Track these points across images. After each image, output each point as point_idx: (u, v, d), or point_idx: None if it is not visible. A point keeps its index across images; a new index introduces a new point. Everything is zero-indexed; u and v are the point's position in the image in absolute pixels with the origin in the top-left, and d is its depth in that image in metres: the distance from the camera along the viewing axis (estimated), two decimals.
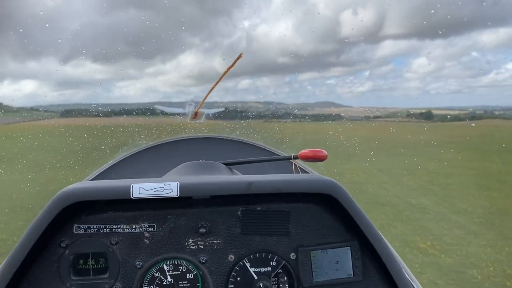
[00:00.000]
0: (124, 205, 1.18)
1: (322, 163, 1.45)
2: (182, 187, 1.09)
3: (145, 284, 1.18)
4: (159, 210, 1.18)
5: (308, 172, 1.73)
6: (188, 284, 1.20)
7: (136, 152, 1.91)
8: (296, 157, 1.46)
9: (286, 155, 1.53)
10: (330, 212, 1.22)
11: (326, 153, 1.41)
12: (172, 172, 1.44)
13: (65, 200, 1.06)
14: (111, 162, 1.89)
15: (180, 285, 1.19)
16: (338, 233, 1.22)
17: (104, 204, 1.17)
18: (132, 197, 1.07)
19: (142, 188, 1.08)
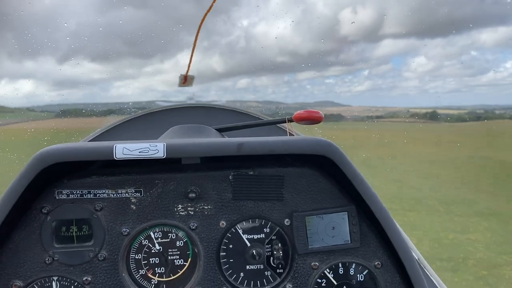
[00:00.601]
0: (109, 169, 1.12)
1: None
2: (169, 148, 1.02)
3: (132, 252, 1.13)
4: (146, 175, 1.12)
5: None
6: (178, 252, 1.14)
7: (128, 120, 1.85)
8: (290, 120, 1.40)
9: (281, 118, 1.48)
10: (326, 176, 1.17)
11: (322, 114, 1.36)
12: (162, 136, 1.38)
13: (43, 160, 0.99)
14: (100, 130, 1.83)
15: (169, 253, 1.14)
16: (335, 197, 1.16)
17: (88, 168, 1.11)
18: (115, 158, 1.00)
19: (126, 149, 1.01)
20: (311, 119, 1.36)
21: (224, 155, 1.05)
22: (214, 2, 1.42)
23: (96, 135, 1.80)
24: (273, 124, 1.52)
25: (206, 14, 1.47)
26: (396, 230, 1.12)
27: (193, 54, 1.55)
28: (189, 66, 1.59)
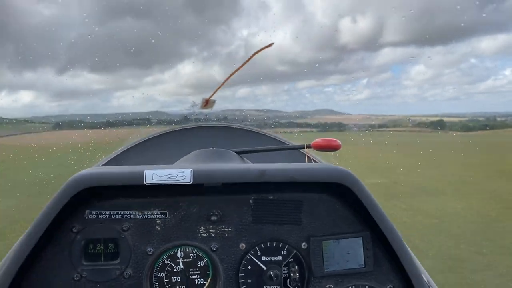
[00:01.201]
0: (136, 191, 1.17)
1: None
2: (195, 174, 1.08)
3: (155, 270, 1.18)
4: (171, 197, 1.18)
5: (314, 160, 1.72)
6: (199, 272, 1.19)
7: (146, 140, 1.90)
8: (309, 146, 1.45)
9: (299, 144, 1.53)
10: (343, 202, 1.22)
11: (340, 142, 1.40)
12: (183, 159, 1.44)
13: (78, 185, 1.05)
14: (120, 149, 1.88)
15: (190, 272, 1.19)
16: (350, 223, 1.21)
17: (116, 190, 1.17)
18: (145, 183, 1.06)
19: (155, 174, 1.07)
20: (329, 148, 1.41)
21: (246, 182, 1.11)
22: (267, 47, 1.47)
23: (118, 153, 1.85)
24: (292, 149, 1.57)
25: (254, 54, 1.53)
26: (408, 255, 1.16)
27: (224, 84, 1.60)
28: (214, 92, 1.65)
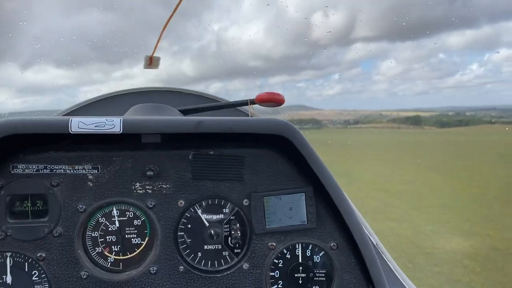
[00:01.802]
0: (66, 144, 1.11)
1: None
2: (125, 123, 1.02)
3: (89, 229, 1.12)
4: (104, 151, 1.12)
5: None
6: (136, 231, 1.14)
7: (96, 101, 1.83)
8: (253, 101, 1.42)
9: (243, 100, 1.49)
10: (285, 157, 1.19)
11: (283, 96, 1.38)
12: (125, 114, 1.37)
13: None
14: (70, 108, 1.81)
15: (127, 231, 1.14)
16: (293, 179, 1.18)
17: (45, 143, 1.10)
18: (70, 131, 1.00)
19: (81, 123, 1.00)
20: (273, 101, 1.38)
21: (184, 133, 1.06)
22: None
23: (61, 114, 1.77)
24: (236, 106, 1.53)
25: (174, 12, 1.47)
26: (352, 213, 1.14)
27: (161, 36, 1.55)
28: (155, 48, 1.59)
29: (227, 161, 1.16)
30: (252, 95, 1.44)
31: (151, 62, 1.60)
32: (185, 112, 1.46)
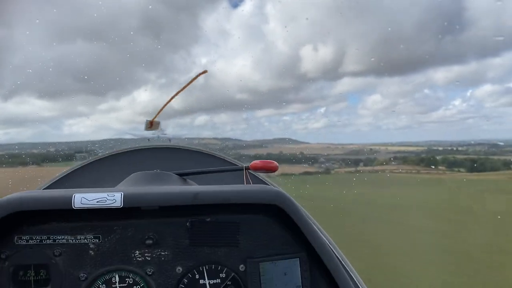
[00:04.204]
0: (68, 215, 1.16)
1: None
2: (126, 198, 1.08)
3: None
4: (104, 221, 1.17)
5: (265, 183, 1.74)
6: None
7: (93, 161, 1.88)
8: (247, 168, 1.48)
9: (238, 166, 1.55)
10: (280, 223, 1.23)
11: (277, 164, 1.45)
12: (123, 182, 1.43)
13: (5, 210, 1.04)
14: (66, 171, 1.86)
15: None
16: (287, 244, 1.22)
17: (47, 215, 1.15)
18: (73, 207, 1.06)
19: (84, 198, 1.07)
20: (266, 169, 1.45)
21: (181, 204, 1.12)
22: (200, 74, 1.52)
23: (62, 175, 1.83)
24: (231, 171, 1.59)
25: (190, 82, 1.57)
26: (343, 275, 1.18)
27: (167, 105, 1.63)
28: (158, 113, 1.67)
29: (223, 228, 1.21)
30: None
31: (152, 125, 1.68)
32: (183, 175, 1.52)
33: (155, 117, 1.68)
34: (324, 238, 1.21)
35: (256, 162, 1.45)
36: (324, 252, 1.17)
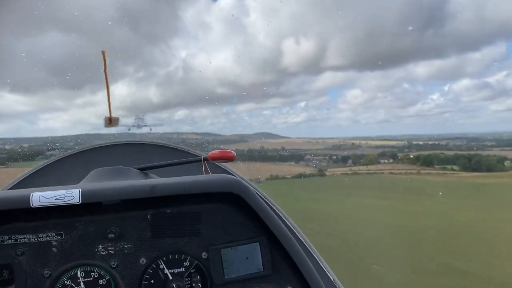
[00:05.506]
0: (29, 215, 1.18)
1: None
2: (84, 194, 1.11)
3: None
4: (66, 218, 1.19)
5: (229, 173, 1.78)
6: None
7: (58, 159, 1.89)
8: (206, 159, 1.52)
9: (197, 157, 1.59)
10: (239, 210, 1.28)
11: (234, 154, 1.49)
12: (84, 179, 1.45)
13: None
14: (30, 171, 1.86)
15: None
16: (247, 230, 1.27)
17: (8, 215, 1.17)
18: (32, 206, 1.08)
19: (42, 197, 1.09)
20: (224, 158, 1.49)
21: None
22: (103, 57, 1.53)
23: (25, 176, 1.83)
24: (191, 162, 1.63)
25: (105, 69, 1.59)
26: (303, 258, 1.24)
27: (110, 96, 1.65)
28: (109, 108, 1.68)
29: (184, 218, 1.25)
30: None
31: (111, 121, 1.70)
32: (144, 169, 1.55)
33: (110, 112, 1.69)
34: (283, 223, 1.26)
35: (214, 152, 1.49)
36: (282, 235, 1.22)
